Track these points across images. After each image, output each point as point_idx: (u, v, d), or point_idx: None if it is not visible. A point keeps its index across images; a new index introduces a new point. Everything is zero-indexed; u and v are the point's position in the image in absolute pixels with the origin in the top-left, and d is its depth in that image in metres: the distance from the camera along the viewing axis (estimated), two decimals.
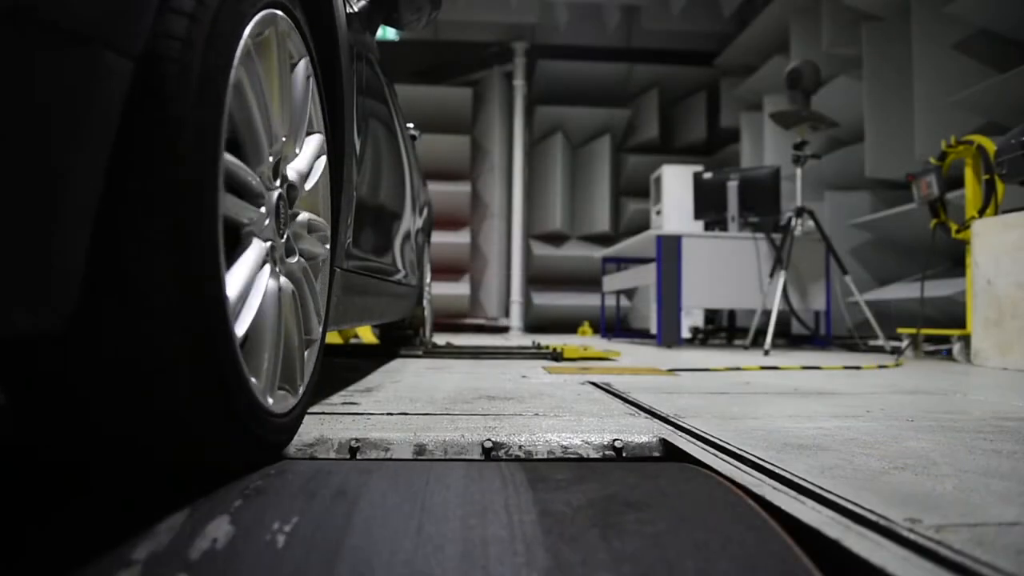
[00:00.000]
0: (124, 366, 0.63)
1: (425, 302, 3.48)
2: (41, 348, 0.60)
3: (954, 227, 3.45)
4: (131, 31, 0.55)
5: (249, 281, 0.79)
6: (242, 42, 0.73)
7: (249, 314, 0.79)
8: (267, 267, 0.86)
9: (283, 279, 0.93)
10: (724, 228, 4.83)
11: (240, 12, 0.72)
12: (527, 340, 5.21)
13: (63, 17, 0.47)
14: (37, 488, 0.77)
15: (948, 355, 3.60)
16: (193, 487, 0.72)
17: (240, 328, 0.76)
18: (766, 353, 3.67)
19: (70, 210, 0.50)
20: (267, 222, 0.86)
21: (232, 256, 0.77)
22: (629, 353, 3.58)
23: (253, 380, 0.76)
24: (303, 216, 1.04)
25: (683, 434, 1.08)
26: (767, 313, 4.10)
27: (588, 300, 7.74)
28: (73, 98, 0.49)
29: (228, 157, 0.72)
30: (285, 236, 0.94)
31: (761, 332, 4.08)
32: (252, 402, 0.75)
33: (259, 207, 0.83)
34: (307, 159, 1.04)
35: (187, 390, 0.66)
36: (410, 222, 2.48)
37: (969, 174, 3.37)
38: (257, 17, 0.78)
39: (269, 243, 0.86)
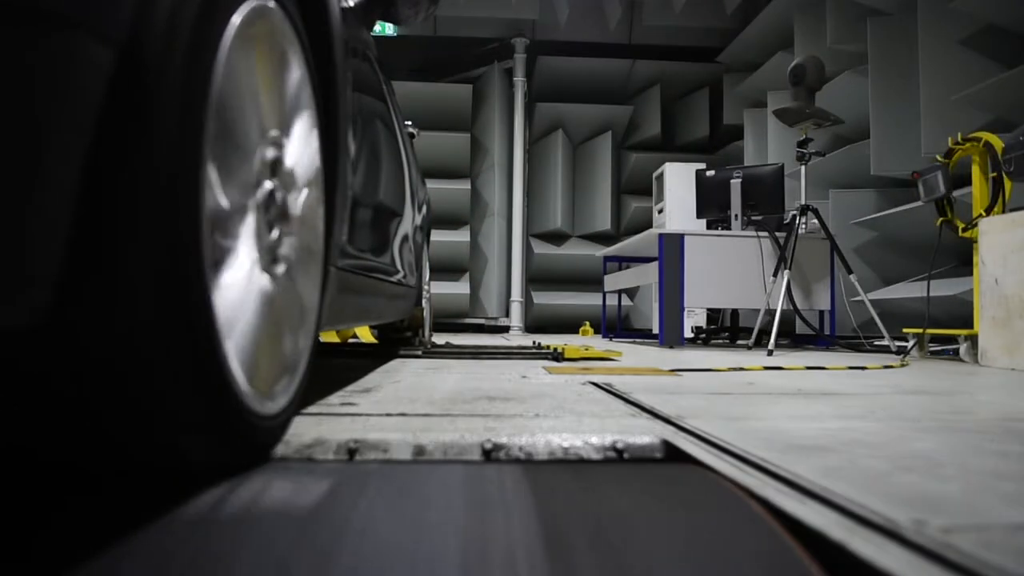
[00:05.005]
0: (99, 361, 0.61)
1: (424, 302, 3.47)
2: (14, 342, 0.57)
3: (960, 225, 3.43)
4: (112, 16, 0.53)
5: (235, 275, 0.77)
6: (229, 30, 0.71)
7: (235, 308, 0.77)
8: (254, 262, 0.84)
9: (273, 273, 0.91)
10: (727, 226, 4.80)
11: None
12: (527, 340, 5.20)
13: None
14: (37, 488, 0.76)
15: (954, 355, 3.58)
16: (192, 487, 0.71)
17: (224, 322, 0.73)
18: (769, 353, 3.65)
19: (47, 201, 0.48)
20: (255, 216, 0.84)
21: (217, 248, 0.75)
22: (631, 353, 3.57)
23: (238, 378, 0.74)
24: (294, 212, 1.03)
25: (685, 435, 1.06)
26: (770, 313, 4.08)
27: (589, 299, 7.72)
28: (51, 85, 0.47)
29: (214, 149, 0.70)
30: (274, 231, 0.93)
31: (764, 332, 4.06)
32: (236, 402, 0.73)
33: (247, 201, 0.82)
34: (298, 153, 1.02)
35: (166, 388, 0.64)
36: (409, 221, 2.46)
37: (976, 171, 3.34)
38: (246, 5, 0.76)
39: (257, 238, 0.85)
